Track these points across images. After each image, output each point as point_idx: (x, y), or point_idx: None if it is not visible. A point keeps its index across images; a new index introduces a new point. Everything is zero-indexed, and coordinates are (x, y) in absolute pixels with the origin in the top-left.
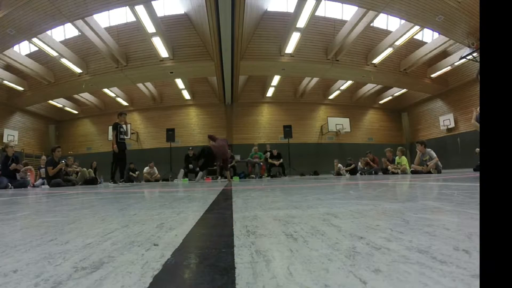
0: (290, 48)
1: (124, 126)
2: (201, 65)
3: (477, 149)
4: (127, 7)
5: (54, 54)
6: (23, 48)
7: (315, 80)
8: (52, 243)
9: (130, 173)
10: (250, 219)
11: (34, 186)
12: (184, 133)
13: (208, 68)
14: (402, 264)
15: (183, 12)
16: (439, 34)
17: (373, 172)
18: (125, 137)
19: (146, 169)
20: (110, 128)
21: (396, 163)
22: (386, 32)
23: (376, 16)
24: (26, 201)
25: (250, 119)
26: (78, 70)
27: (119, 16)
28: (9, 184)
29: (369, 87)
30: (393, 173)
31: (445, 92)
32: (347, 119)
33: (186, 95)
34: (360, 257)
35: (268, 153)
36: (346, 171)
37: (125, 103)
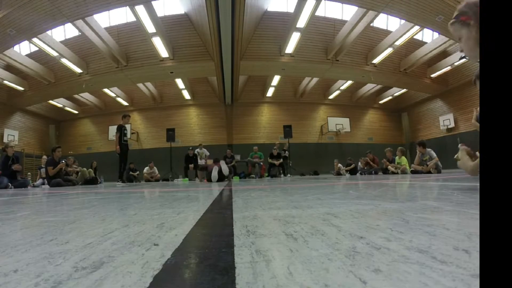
0: (290, 48)
1: (127, 128)
2: (201, 65)
3: (456, 156)
4: (127, 7)
5: (54, 54)
6: (23, 48)
7: (315, 80)
8: (52, 243)
9: (131, 172)
10: (250, 219)
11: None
12: (184, 133)
13: (208, 68)
14: (402, 264)
15: (183, 12)
16: (439, 34)
17: (373, 172)
18: (127, 138)
19: (146, 169)
20: (111, 128)
21: (396, 163)
22: (386, 32)
23: (376, 16)
24: (26, 201)
25: (250, 119)
26: (78, 70)
27: (119, 16)
28: (9, 184)
29: (369, 87)
30: (393, 173)
31: (445, 92)
32: (347, 119)
33: (186, 95)
34: (360, 257)
35: (287, 152)
36: (346, 171)
37: (125, 103)
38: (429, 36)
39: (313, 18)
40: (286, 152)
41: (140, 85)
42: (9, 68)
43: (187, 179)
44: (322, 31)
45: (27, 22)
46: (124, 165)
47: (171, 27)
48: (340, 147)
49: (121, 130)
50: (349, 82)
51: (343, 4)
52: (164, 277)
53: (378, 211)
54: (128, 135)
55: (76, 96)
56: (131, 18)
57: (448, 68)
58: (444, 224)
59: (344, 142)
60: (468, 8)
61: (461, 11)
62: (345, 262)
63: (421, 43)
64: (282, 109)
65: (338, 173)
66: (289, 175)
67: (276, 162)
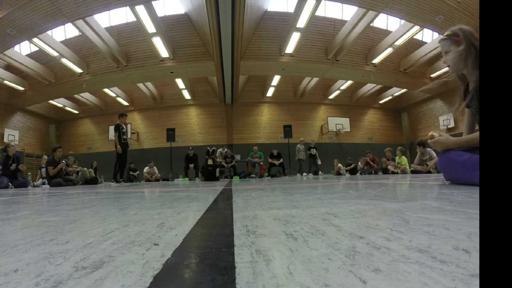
0: (290, 48)
1: (125, 126)
2: (201, 65)
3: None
4: (128, 7)
5: (55, 54)
6: (24, 48)
7: (315, 80)
8: (52, 243)
9: (131, 172)
10: (250, 219)
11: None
12: (184, 133)
13: (208, 68)
14: (402, 264)
15: (183, 12)
16: (439, 34)
17: (373, 172)
18: (126, 137)
19: (146, 169)
20: (111, 128)
21: (396, 162)
22: (386, 32)
23: (376, 16)
24: (27, 200)
25: (250, 119)
26: (78, 70)
27: (120, 16)
28: (10, 184)
29: (369, 87)
30: (393, 173)
31: (445, 92)
32: (347, 119)
33: (186, 95)
34: (360, 256)
35: (314, 149)
36: (346, 171)
37: (125, 103)
38: (429, 36)
39: (313, 18)
40: (313, 149)
41: (140, 85)
42: (9, 68)
43: (187, 179)
44: (322, 31)
45: (28, 22)
46: (121, 165)
47: (171, 27)
48: (340, 147)
49: (119, 129)
50: (349, 82)
51: (343, 4)
52: (164, 277)
53: (378, 211)
54: (129, 135)
55: (76, 96)
56: (131, 18)
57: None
58: (444, 224)
59: (344, 142)
60: (461, 32)
61: (454, 32)
62: (345, 262)
63: (421, 43)
64: (282, 109)
65: (338, 173)
66: (320, 172)
67: (276, 162)
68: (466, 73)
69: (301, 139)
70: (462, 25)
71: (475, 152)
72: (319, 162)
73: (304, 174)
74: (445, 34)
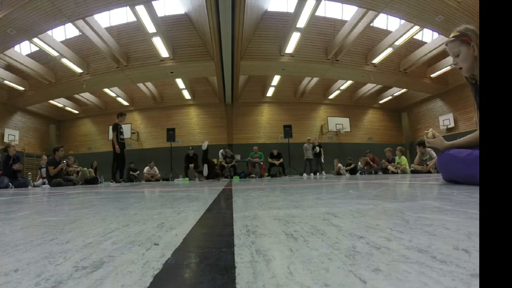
0: (290, 48)
1: (125, 127)
2: (201, 65)
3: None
4: (128, 7)
5: (55, 54)
6: (24, 48)
7: (315, 80)
8: (52, 243)
9: (131, 172)
10: (250, 219)
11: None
12: (184, 133)
13: (208, 68)
14: (402, 264)
15: (183, 12)
16: (439, 34)
17: (373, 172)
18: (123, 137)
19: (146, 169)
20: (111, 128)
21: (396, 162)
22: (386, 32)
23: (376, 16)
24: (27, 200)
25: (250, 119)
26: (78, 70)
27: (120, 16)
28: (10, 184)
29: (369, 87)
30: (393, 173)
31: (445, 92)
32: (347, 119)
33: (187, 95)
34: (360, 256)
35: (318, 148)
36: (346, 170)
37: (125, 103)
38: (429, 36)
39: (313, 18)
40: (316, 148)
41: (141, 85)
42: (9, 68)
43: (187, 179)
44: (322, 31)
45: (28, 22)
46: (120, 165)
47: (171, 27)
48: (340, 147)
49: (117, 128)
50: (349, 82)
51: (343, 4)
52: (165, 277)
53: (378, 211)
54: (128, 134)
55: (76, 96)
56: (132, 18)
57: (448, 68)
58: (444, 224)
59: (344, 142)
60: (468, 31)
61: (461, 32)
62: (345, 262)
63: (421, 43)
64: (282, 109)
65: (338, 173)
66: (323, 172)
67: (276, 162)
68: (476, 73)
69: (308, 138)
70: (466, 24)
71: (474, 150)
72: (322, 161)
73: (305, 174)
74: (452, 35)
